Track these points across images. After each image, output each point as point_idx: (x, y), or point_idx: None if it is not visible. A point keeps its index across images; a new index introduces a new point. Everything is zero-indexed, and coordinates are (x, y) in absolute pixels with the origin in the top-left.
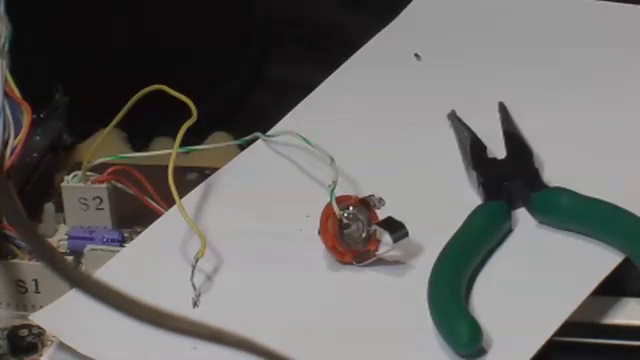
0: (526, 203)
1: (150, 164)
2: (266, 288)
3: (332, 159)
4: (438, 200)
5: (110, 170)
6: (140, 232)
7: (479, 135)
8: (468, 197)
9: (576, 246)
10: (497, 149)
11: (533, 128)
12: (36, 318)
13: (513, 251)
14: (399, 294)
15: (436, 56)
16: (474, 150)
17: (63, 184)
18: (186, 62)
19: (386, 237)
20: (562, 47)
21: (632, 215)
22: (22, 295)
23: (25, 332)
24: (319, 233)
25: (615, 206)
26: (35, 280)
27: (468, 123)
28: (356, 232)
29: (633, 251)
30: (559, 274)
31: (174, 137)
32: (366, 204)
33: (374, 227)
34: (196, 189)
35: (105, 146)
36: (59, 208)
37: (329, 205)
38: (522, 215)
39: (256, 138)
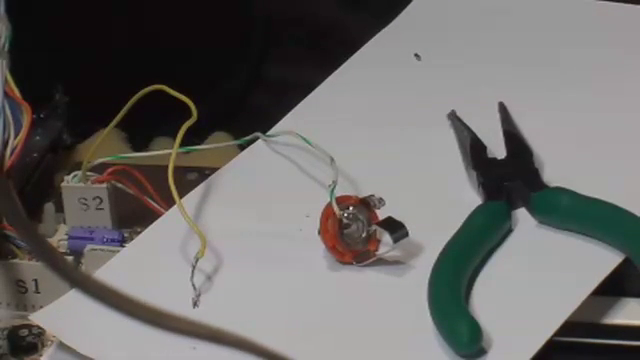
0: (526, 203)
1: (150, 164)
2: (266, 288)
3: (332, 159)
4: (438, 200)
5: (110, 170)
6: (140, 232)
7: (479, 135)
8: (468, 197)
9: (576, 246)
10: (497, 149)
11: (533, 128)
12: (36, 318)
13: (513, 251)
14: (399, 294)
15: (436, 56)
16: (474, 150)
17: (63, 184)
18: (186, 62)
19: (386, 237)
20: (562, 47)
21: (632, 215)
22: (22, 295)
23: (25, 332)
24: (319, 233)
25: (615, 206)
26: (35, 280)
27: (468, 123)
28: (356, 232)
29: (633, 251)
30: (559, 274)
31: (174, 137)
32: (366, 204)
33: (374, 227)
34: (196, 189)
35: (105, 146)
36: (59, 208)
37: (329, 205)
38: (522, 215)
39: (256, 138)
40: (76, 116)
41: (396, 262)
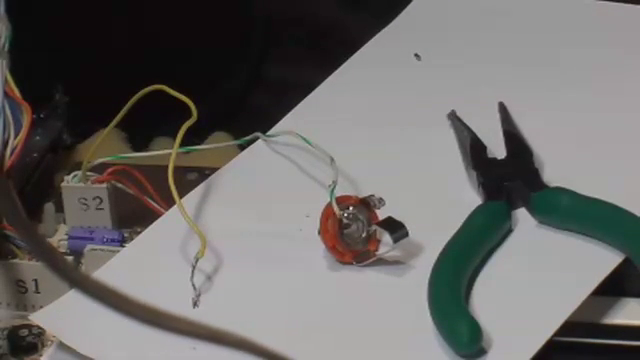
0: (526, 203)
1: (150, 164)
2: (266, 288)
3: (332, 159)
4: (438, 200)
5: (110, 170)
6: (140, 232)
7: (479, 135)
8: (468, 197)
9: (576, 246)
10: (497, 149)
11: (533, 128)
12: (36, 318)
13: (513, 251)
14: (399, 294)
15: (436, 56)
16: (474, 150)
17: (63, 184)
18: (186, 62)
19: (386, 237)
20: (562, 47)
21: (632, 215)
22: (22, 295)
23: (25, 332)
24: (319, 233)
25: (615, 206)
26: (35, 280)
27: (468, 123)
28: (356, 232)
29: (633, 251)
30: (559, 274)
31: (174, 137)
32: (366, 204)
33: (374, 227)
34: (196, 189)
35: (105, 146)
36: (59, 208)
37: (329, 205)
38: (522, 215)
39: (256, 138)
40: (76, 116)
41: (396, 262)
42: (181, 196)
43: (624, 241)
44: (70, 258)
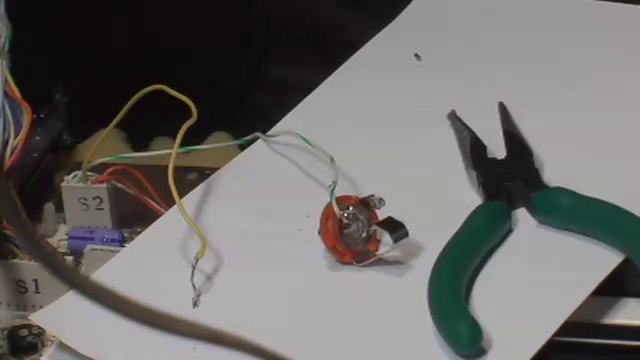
0: (526, 203)
1: (150, 164)
2: (266, 288)
3: (332, 159)
4: (438, 200)
5: (110, 170)
6: (140, 232)
7: (479, 135)
8: (468, 197)
9: (576, 246)
10: (497, 149)
11: (533, 128)
12: (36, 318)
13: (513, 251)
14: (399, 294)
15: (436, 56)
16: (474, 150)
17: (63, 184)
18: (186, 62)
19: (386, 237)
20: (562, 47)
21: (632, 215)
22: (22, 295)
23: (25, 332)
24: (319, 233)
25: (615, 206)
26: (35, 280)
27: (468, 123)
28: (356, 232)
29: (633, 251)
30: (559, 274)
31: (174, 137)
32: (366, 204)
33: (374, 227)
34: (196, 189)
35: (105, 146)
36: (59, 208)
37: (329, 205)
38: (522, 215)
39: (256, 138)
40: (76, 116)
41: (396, 262)
42: (181, 196)
43: (624, 241)
44: (70, 258)
